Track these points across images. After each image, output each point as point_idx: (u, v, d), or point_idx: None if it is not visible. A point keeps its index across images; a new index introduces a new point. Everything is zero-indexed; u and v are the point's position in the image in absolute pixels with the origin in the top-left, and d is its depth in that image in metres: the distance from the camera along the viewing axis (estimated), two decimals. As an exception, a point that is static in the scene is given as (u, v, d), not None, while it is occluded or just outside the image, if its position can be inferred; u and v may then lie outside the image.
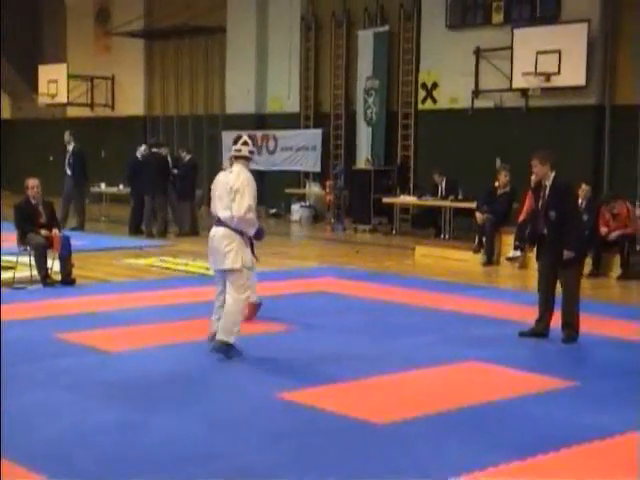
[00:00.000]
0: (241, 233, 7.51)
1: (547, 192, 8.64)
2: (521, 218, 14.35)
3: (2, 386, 6.12)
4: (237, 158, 7.70)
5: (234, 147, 7.75)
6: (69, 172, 18.64)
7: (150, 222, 17.78)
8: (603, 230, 13.17)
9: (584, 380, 7.11)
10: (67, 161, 18.77)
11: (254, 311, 8.94)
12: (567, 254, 8.45)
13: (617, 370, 7.59)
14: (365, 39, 20.60)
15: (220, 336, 7.52)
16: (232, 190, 7.42)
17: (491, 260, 14.47)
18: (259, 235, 7.79)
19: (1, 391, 5.70)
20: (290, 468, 5.07)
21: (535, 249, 8.99)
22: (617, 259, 13.15)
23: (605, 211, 13.34)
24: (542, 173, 8.67)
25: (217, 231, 7.55)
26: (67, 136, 19.08)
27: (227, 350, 7.51)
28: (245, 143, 7.75)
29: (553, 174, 8.67)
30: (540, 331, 8.66)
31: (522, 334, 8.68)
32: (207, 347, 7.76)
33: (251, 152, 7.82)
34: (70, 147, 18.93)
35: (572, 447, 5.45)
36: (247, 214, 7.41)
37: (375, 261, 14.63)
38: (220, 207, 7.56)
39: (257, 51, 22.96)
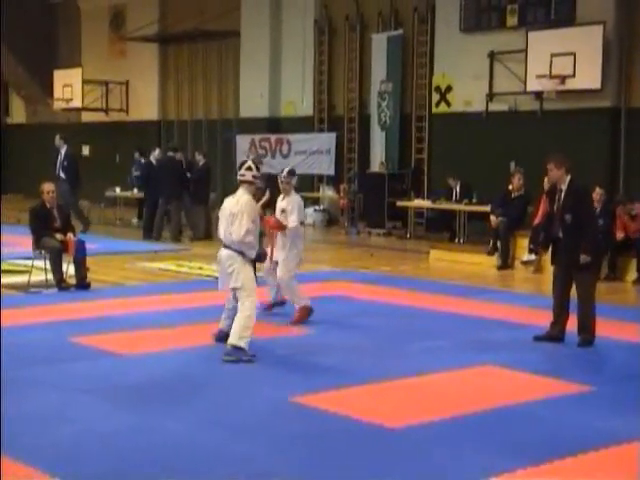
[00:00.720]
0: (242, 254, 7.78)
1: (563, 195, 8.59)
2: (536, 221, 14.42)
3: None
4: (241, 182, 8.02)
5: (239, 172, 8.09)
6: (63, 176, 18.61)
7: (161, 226, 17.82)
8: (619, 234, 13.08)
9: (599, 384, 7.07)
10: (60, 165, 18.75)
11: (306, 314, 9.40)
12: (584, 258, 8.40)
13: (633, 374, 7.54)
14: (379, 43, 20.59)
15: (231, 340, 7.65)
16: (231, 214, 7.81)
17: (506, 264, 14.42)
18: (259, 259, 8.14)
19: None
20: (305, 473, 5.05)
21: (550, 253, 8.95)
22: (633, 263, 13.07)
23: (622, 213, 13.27)
24: (557, 177, 8.64)
25: (222, 253, 7.92)
26: (58, 140, 19.08)
27: (237, 353, 7.60)
28: (249, 168, 8.05)
29: (569, 177, 8.62)
30: (556, 335, 8.61)
31: (537, 338, 8.64)
32: (220, 350, 7.76)
33: (255, 177, 8.05)
34: (63, 150, 18.93)
35: (588, 452, 5.41)
36: (246, 237, 7.72)
37: (390, 265, 14.60)
38: (222, 230, 7.97)
39: (271, 55, 22.97)
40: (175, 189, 17.58)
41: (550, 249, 8.90)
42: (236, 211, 7.78)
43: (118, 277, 12.67)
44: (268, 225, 9.58)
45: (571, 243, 8.49)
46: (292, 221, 9.40)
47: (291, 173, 9.91)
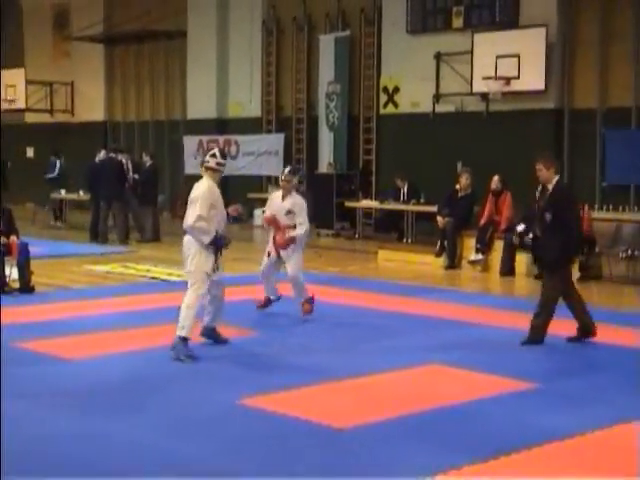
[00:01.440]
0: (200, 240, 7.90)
1: (548, 195, 8.66)
2: (482, 221, 14.59)
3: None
4: (205, 169, 8.13)
5: (204, 159, 8.26)
6: None
7: (106, 228, 17.70)
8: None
9: (545, 381, 7.17)
10: None
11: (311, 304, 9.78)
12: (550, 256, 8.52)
13: (576, 371, 7.69)
14: (326, 44, 20.66)
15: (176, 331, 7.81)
16: (190, 200, 7.97)
17: (453, 263, 14.56)
18: (218, 243, 8.03)
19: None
20: (253, 474, 5.06)
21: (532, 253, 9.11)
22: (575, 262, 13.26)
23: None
24: (546, 177, 8.65)
25: (184, 238, 8.08)
26: None
27: (178, 347, 7.71)
28: (213, 155, 8.19)
29: (557, 178, 8.68)
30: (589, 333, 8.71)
31: (570, 340, 8.71)
32: (168, 353, 7.76)
33: (218, 164, 8.14)
34: None
35: (532, 448, 5.50)
36: (196, 223, 7.84)
37: (338, 265, 14.66)
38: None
39: (218, 56, 22.93)
40: (114, 190, 17.44)
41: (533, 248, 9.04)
42: (193, 197, 7.95)
43: (64, 280, 12.55)
44: (278, 245, 9.69)
45: (547, 242, 8.56)
46: (301, 228, 9.59)
47: (292, 172, 9.83)
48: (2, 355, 7.28)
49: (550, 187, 8.66)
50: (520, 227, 9.52)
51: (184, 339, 7.74)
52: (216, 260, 8.08)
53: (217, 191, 8.10)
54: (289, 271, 9.69)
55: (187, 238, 8.00)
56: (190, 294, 7.90)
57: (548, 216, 8.53)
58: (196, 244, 7.92)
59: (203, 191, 7.94)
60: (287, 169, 9.90)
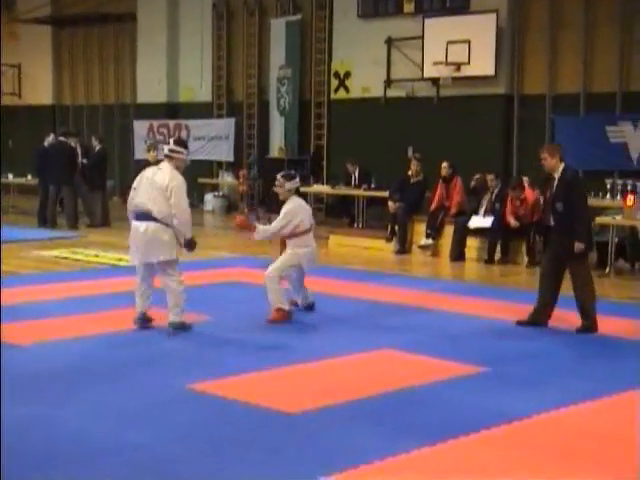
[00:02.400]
0: (168, 226, 8.20)
1: (555, 184, 8.58)
2: (432, 207, 14.67)
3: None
4: (165, 157, 8.36)
5: (168, 147, 8.42)
6: None
7: (55, 213, 17.48)
8: (510, 219, 13.33)
9: (494, 365, 7.23)
10: None
11: (282, 317, 8.90)
12: (578, 246, 8.43)
13: (526, 355, 7.76)
14: (277, 28, 20.57)
15: (173, 318, 8.18)
16: (162, 187, 8.07)
17: (404, 248, 14.62)
18: (189, 246, 8.38)
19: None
20: (201, 459, 5.04)
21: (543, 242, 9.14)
22: (524, 247, 13.42)
23: (513, 198, 13.56)
24: (551, 165, 8.57)
25: (143, 225, 8.12)
26: None
27: (182, 328, 8.19)
28: (168, 143, 8.48)
29: (562, 166, 8.59)
30: (543, 320, 8.75)
31: (520, 323, 8.79)
32: (116, 340, 7.71)
33: (170, 150, 8.27)
34: None
35: (481, 431, 5.55)
36: (189, 216, 8.26)
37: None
38: (139, 199, 8.19)
39: (168, 39, 22.73)
40: (64, 175, 17.21)
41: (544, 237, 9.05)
42: (173, 185, 7.99)
43: (12, 266, 12.35)
44: (235, 223, 9.60)
45: (562, 231, 8.53)
46: (263, 227, 9.14)
47: (284, 177, 9.15)
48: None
49: (557, 175, 8.57)
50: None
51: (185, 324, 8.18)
52: None
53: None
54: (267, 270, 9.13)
55: (154, 225, 7.98)
56: (179, 279, 8.22)
57: (559, 205, 8.46)
58: (169, 231, 8.00)
59: (183, 180, 8.14)
60: (280, 174, 9.31)
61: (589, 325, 8.62)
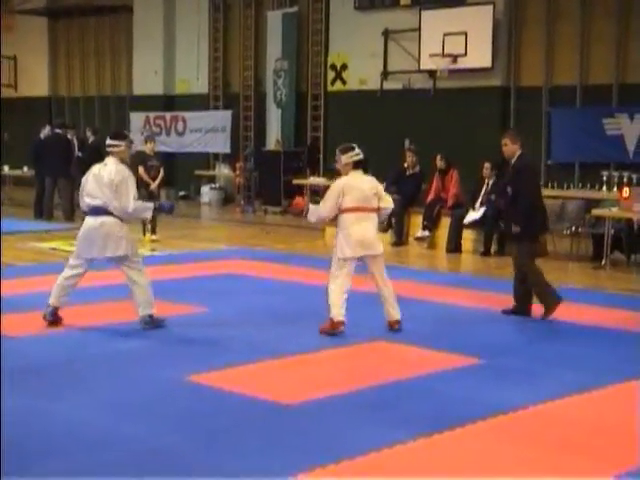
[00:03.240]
0: (122, 220, 8.11)
1: (510, 169, 8.89)
2: (429, 199, 14.69)
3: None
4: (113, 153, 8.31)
5: (111, 142, 8.33)
6: None
7: (51, 205, 17.48)
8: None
9: (488, 357, 7.26)
10: None
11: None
12: (514, 228, 8.69)
13: (521, 346, 7.80)
14: (274, 20, 20.54)
15: (145, 311, 8.01)
16: (111, 183, 8.00)
17: (400, 240, 14.64)
18: (164, 209, 8.76)
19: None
20: (199, 450, 5.06)
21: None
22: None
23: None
24: (512, 151, 8.81)
25: (97, 220, 8.07)
26: None
27: (152, 321, 8.03)
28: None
29: (519, 153, 8.82)
30: (519, 309, 8.88)
31: (505, 312, 8.91)
32: (113, 331, 7.74)
33: (108, 145, 8.31)
34: None
35: (476, 422, 5.57)
36: (134, 205, 8.04)
37: (286, 242, 14.66)
38: (91, 198, 8.19)
39: (165, 31, 22.69)
40: (61, 167, 17.20)
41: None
42: (118, 180, 7.92)
43: (8, 258, 12.35)
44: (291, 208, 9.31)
45: (509, 215, 8.81)
46: (314, 206, 8.42)
47: (342, 150, 8.13)
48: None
49: (512, 162, 8.83)
50: None
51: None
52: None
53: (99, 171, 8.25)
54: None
55: (112, 220, 7.91)
56: (144, 271, 8.09)
57: (509, 189, 8.69)
58: (125, 226, 7.98)
59: (129, 174, 8.07)
60: (338, 147, 8.32)
61: (517, 308, 8.85)
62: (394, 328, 8.06)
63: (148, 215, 8.22)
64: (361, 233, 7.89)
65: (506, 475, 4.78)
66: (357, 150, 8.00)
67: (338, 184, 8.00)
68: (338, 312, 7.87)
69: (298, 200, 8.52)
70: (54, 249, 13.38)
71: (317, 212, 8.19)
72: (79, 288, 10.00)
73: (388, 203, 8.16)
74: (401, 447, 5.13)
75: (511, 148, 8.81)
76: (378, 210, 8.08)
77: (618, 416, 5.85)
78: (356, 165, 7.99)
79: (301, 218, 8.81)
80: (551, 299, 8.74)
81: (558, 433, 5.49)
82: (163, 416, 5.66)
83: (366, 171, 8.18)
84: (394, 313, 8.13)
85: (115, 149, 8.15)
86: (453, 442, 5.29)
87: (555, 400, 6.10)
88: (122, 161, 8.14)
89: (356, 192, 7.91)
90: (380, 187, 8.16)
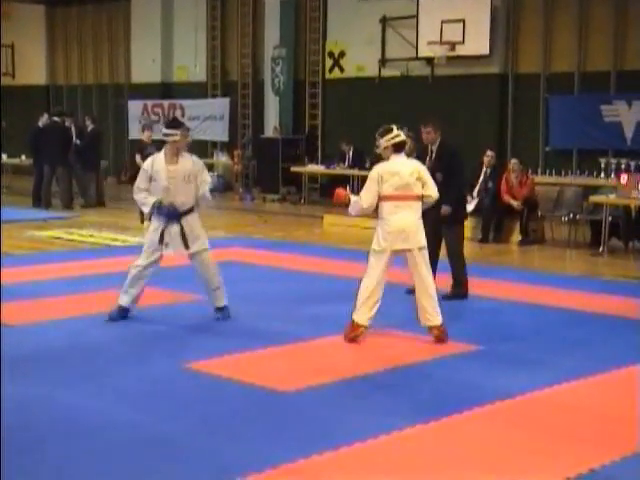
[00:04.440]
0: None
1: (434, 156, 8.95)
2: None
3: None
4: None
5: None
6: None
7: (49, 193, 17.45)
8: (508, 199, 13.35)
9: (488, 344, 7.25)
10: None
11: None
12: (444, 209, 8.70)
13: (516, 333, 7.78)
14: (272, 7, 20.47)
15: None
16: None
17: (398, 228, 14.59)
18: (160, 212, 7.81)
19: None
20: (196, 436, 5.05)
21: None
22: (517, 225, 13.44)
23: (508, 178, 13.56)
24: (433, 139, 9.03)
25: None
26: None
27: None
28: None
29: (439, 139, 9.04)
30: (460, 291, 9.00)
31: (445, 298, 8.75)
32: (112, 319, 7.73)
33: (163, 134, 7.89)
34: None
35: (474, 409, 5.56)
36: (134, 194, 7.93)
37: (284, 230, 14.64)
38: None
39: (162, 19, 22.63)
40: (59, 155, 17.18)
41: None
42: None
43: (6, 246, 12.30)
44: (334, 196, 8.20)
45: (440, 200, 8.31)
46: (355, 199, 7.57)
47: (380, 133, 7.40)
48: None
49: (434, 148, 8.99)
50: None
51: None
52: (161, 235, 7.82)
53: (160, 162, 7.77)
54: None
55: None
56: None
57: (439, 176, 8.51)
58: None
59: (145, 163, 7.97)
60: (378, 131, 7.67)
61: (459, 291, 8.98)
62: (433, 334, 7.22)
63: (145, 210, 8.08)
64: (400, 223, 7.17)
65: (504, 461, 4.78)
66: (397, 131, 7.29)
67: (376, 170, 7.27)
68: (362, 317, 7.21)
69: (339, 191, 7.63)
70: (52, 237, 13.35)
71: (357, 204, 7.42)
72: (76, 277, 10.02)
73: (431, 191, 7.34)
74: (399, 433, 5.12)
75: (433, 136, 9.00)
76: (422, 198, 7.31)
77: (617, 402, 5.84)
78: (397, 148, 7.25)
79: (338, 207, 8.47)
80: (464, 290, 8.95)
81: (557, 419, 5.49)
82: (162, 403, 5.65)
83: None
84: (425, 317, 7.26)
85: (169, 138, 7.78)
86: (451, 429, 5.28)
87: (554, 386, 6.10)
88: (177, 150, 7.79)
89: (396, 178, 7.16)
90: (424, 172, 7.37)
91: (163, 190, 7.74)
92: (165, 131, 7.86)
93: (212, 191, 7.84)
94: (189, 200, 7.82)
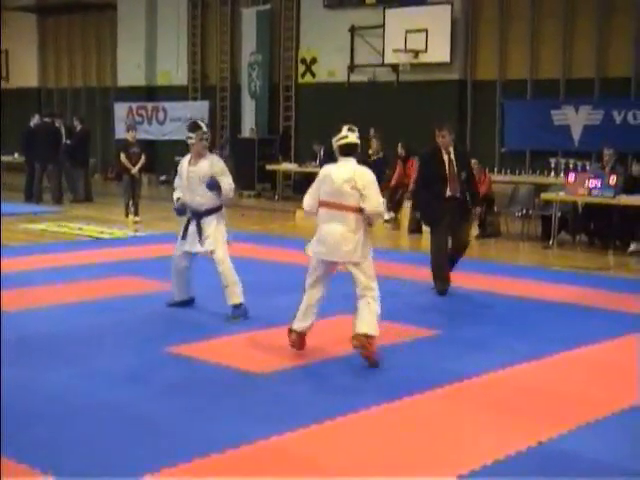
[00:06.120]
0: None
1: (452, 158, 8.62)
2: (393, 183, 14.69)
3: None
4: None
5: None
6: None
7: (40, 189, 17.31)
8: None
9: (446, 329, 7.27)
10: None
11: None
12: (478, 210, 8.84)
13: (474, 319, 7.81)
14: (249, 17, 20.41)
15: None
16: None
17: (366, 222, 14.59)
18: (177, 211, 7.74)
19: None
20: (178, 415, 5.02)
21: (426, 212, 9.05)
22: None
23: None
24: (448, 142, 8.64)
25: None
26: None
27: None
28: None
29: (452, 143, 8.76)
30: (445, 289, 8.71)
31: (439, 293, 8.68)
32: (98, 307, 7.68)
33: (186, 137, 7.58)
34: None
35: (435, 389, 5.58)
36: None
37: (260, 224, 14.60)
38: None
39: (147, 27, 22.49)
40: (49, 153, 17.03)
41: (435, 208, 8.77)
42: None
43: (1, 238, 12.21)
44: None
45: (464, 198, 8.66)
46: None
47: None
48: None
49: (451, 150, 8.67)
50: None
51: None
52: (184, 232, 7.63)
53: (184, 163, 7.59)
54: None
55: None
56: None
57: (463, 174, 8.57)
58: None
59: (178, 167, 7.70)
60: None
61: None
62: (355, 344, 6.09)
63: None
64: (326, 234, 6.22)
65: (461, 437, 4.79)
66: (346, 132, 6.20)
67: (321, 171, 6.34)
68: (295, 323, 6.43)
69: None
70: (43, 230, 13.23)
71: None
72: (66, 267, 9.93)
73: (372, 206, 6.05)
74: (366, 412, 5.12)
75: (449, 139, 8.66)
76: (361, 211, 6.10)
77: (565, 381, 5.88)
78: (343, 151, 6.18)
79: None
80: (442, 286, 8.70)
81: (510, 398, 5.51)
82: (144, 384, 5.61)
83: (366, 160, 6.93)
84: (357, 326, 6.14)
85: (187, 141, 7.54)
86: (414, 407, 5.29)
87: (507, 368, 6.12)
88: (198, 154, 7.48)
89: (330, 184, 6.12)
90: (368, 183, 6.06)
91: (183, 189, 7.59)
92: (185, 134, 7.66)
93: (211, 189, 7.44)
94: (208, 201, 7.46)
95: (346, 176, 6.03)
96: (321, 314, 7.65)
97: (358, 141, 6.14)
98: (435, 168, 8.62)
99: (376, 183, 6.10)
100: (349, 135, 6.16)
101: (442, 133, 8.65)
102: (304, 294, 6.37)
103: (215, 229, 7.53)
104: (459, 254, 8.95)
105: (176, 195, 7.68)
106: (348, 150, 6.15)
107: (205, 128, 7.54)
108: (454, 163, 8.58)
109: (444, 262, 8.72)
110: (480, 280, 9.54)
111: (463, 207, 8.67)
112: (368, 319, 6.07)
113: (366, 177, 6.07)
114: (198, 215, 7.49)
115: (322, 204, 6.17)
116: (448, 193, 8.54)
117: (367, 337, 6.00)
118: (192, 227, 7.53)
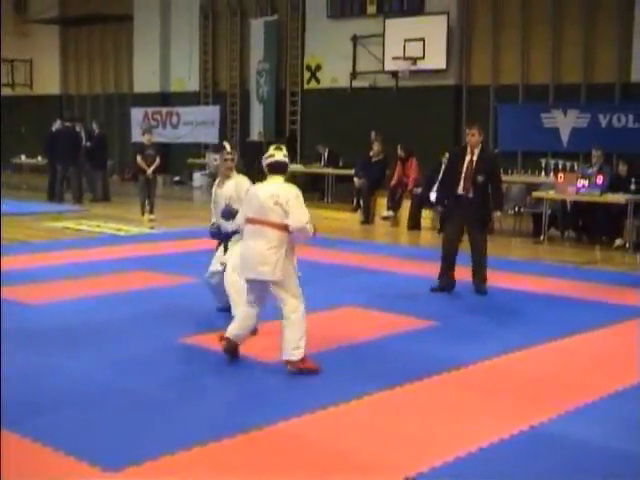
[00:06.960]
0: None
1: (475, 159, 8.20)
2: (392, 183, 14.65)
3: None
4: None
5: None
6: None
7: (62, 189, 17.31)
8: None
9: (443, 320, 7.23)
10: None
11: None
12: (497, 214, 8.49)
13: (470, 310, 7.78)
14: (257, 27, 20.37)
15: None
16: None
17: (367, 219, 14.60)
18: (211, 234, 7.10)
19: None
20: (188, 402, 5.00)
21: (442, 210, 8.80)
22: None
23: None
24: (477, 141, 8.23)
25: None
26: None
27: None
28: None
29: (481, 144, 8.33)
30: (448, 285, 8.45)
31: (433, 290, 8.42)
32: (115, 299, 7.66)
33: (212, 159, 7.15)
34: None
35: (432, 376, 5.55)
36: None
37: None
38: None
39: (161, 37, 22.47)
40: (70, 156, 17.03)
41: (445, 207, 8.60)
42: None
43: (24, 235, 12.22)
44: None
45: (479, 201, 8.20)
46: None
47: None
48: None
49: (477, 151, 8.24)
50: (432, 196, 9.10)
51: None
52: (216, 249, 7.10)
53: (215, 188, 7.03)
54: None
55: None
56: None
57: (480, 178, 8.13)
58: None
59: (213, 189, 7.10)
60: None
61: (481, 287, 8.41)
62: (289, 370, 5.62)
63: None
64: (246, 250, 5.74)
65: (457, 420, 4.77)
66: (273, 151, 5.76)
67: (249, 190, 5.99)
68: (229, 330, 5.91)
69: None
70: (65, 228, 13.23)
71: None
72: (86, 262, 9.92)
73: (295, 221, 5.62)
74: (368, 398, 5.10)
75: (478, 139, 8.24)
76: (286, 228, 5.67)
77: (555, 367, 5.86)
78: (271, 169, 5.74)
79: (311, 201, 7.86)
80: (485, 282, 8.45)
81: (503, 384, 5.49)
82: (158, 372, 5.58)
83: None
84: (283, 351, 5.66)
85: (215, 163, 7.06)
86: (414, 393, 5.26)
87: (501, 356, 6.10)
88: (224, 175, 6.90)
89: (254, 200, 5.72)
90: (291, 197, 5.62)
91: (214, 212, 7.05)
92: (210, 157, 7.19)
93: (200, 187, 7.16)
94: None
95: (271, 192, 5.64)
96: (326, 306, 7.65)
97: (286, 159, 5.75)
98: (455, 166, 8.32)
99: (301, 198, 5.66)
100: (276, 154, 5.74)
101: (472, 131, 8.23)
102: (243, 306, 5.95)
103: (230, 251, 6.80)
104: (475, 262, 8.44)
105: (213, 219, 7.13)
106: (276, 168, 5.73)
107: (229, 148, 6.92)
108: (474, 164, 8.18)
109: (449, 257, 8.45)
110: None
111: (479, 210, 8.24)
112: (292, 344, 5.65)
113: (290, 192, 5.65)
114: (227, 236, 6.89)
115: (248, 221, 5.77)
116: (459, 192, 8.22)
117: (289, 363, 5.63)
118: (221, 248, 6.97)
